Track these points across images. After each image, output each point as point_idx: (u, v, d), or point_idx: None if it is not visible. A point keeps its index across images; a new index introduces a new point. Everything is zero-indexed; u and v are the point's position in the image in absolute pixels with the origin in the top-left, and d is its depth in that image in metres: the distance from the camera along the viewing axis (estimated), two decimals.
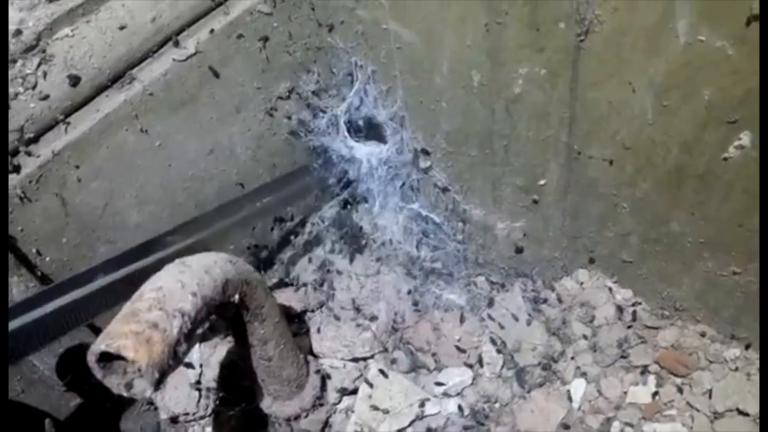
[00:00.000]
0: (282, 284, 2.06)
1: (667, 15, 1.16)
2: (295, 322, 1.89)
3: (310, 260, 2.08)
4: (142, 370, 1.05)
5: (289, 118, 1.96)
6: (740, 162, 1.29)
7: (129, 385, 1.10)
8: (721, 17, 1.10)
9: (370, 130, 1.97)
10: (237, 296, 1.32)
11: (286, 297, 1.97)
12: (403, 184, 1.98)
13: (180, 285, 1.15)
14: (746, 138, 1.24)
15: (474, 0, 1.26)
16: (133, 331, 1.05)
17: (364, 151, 1.97)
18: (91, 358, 1.07)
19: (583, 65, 1.35)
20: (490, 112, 1.47)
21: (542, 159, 1.57)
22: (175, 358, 1.10)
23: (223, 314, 1.40)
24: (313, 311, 1.96)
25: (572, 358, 1.82)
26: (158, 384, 1.07)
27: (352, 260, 2.08)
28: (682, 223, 1.53)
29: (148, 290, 1.13)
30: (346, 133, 1.95)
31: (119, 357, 1.06)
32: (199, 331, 1.27)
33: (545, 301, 1.92)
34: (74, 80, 1.43)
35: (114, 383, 1.10)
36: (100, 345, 1.05)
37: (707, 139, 1.30)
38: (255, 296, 1.36)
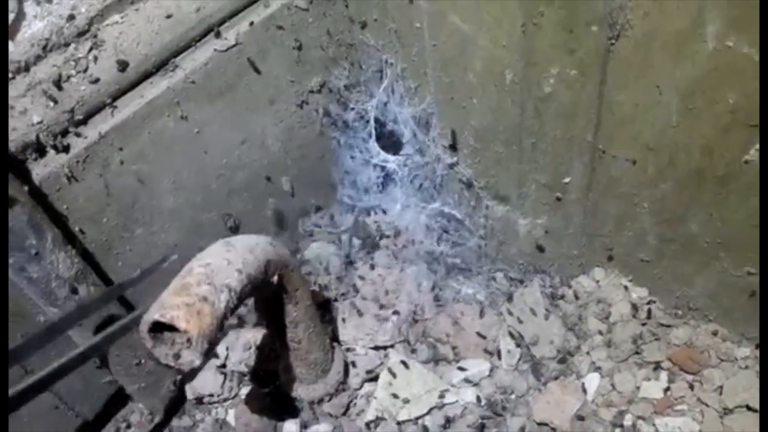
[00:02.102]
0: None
1: (697, 21, 1.22)
2: (321, 309, 1.95)
3: (336, 246, 2.14)
4: (192, 340, 1.11)
5: (318, 111, 2.02)
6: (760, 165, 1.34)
7: (177, 356, 1.16)
8: (750, 25, 1.16)
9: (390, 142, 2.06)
10: (276, 277, 1.38)
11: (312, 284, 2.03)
12: (421, 185, 2.05)
13: (226, 262, 1.21)
14: None
15: (511, 1, 1.32)
16: (185, 303, 1.11)
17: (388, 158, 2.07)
18: (144, 328, 1.13)
19: (612, 67, 1.41)
20: (520, 110, 1.52)
21: (567, 157, 1.62)
22: (221, 331, 1.17)
23: (262, 294, 1.45)
24: (336, 300, 2.02)
25: (587, 352, 1.87)
26: (206, 355, 1.13)
27: (372, 255, 2.14)
28: (700, 223, 1.58)
29: (197, 266, 1.19)
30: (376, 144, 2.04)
31: (170, 328, 1.12)
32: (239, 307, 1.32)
33: (562, 297, 1.98)
34: (122, 65, 1.49)
35: (162, 353, 1.16)
36: (153, 315, 1.10)
37: (729, 142, 1.35)
38: (292, 279, 1.42)
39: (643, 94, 1.42)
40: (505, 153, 1.67)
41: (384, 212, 2.21)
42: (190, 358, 1.12)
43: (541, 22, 1.33)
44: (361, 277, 2.08)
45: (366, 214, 2.22)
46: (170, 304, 1.10)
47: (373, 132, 2.04)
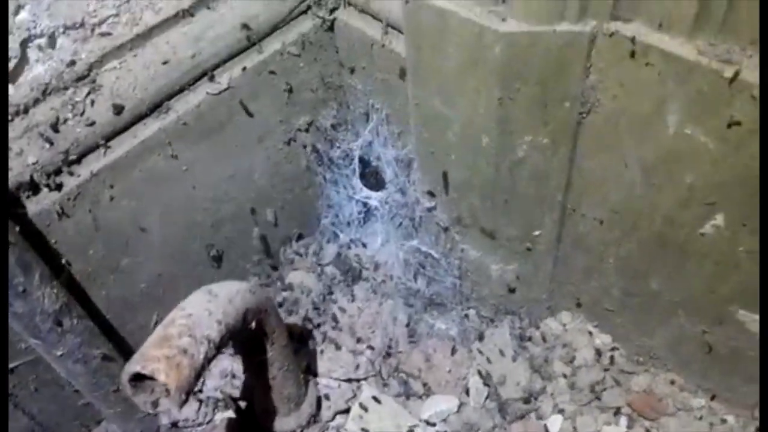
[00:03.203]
0: (282, 304, 2.19)
1: (660, 108, 1.30)
2: (296, 341, 2.02)
3: (317, 276, 2.21)
4: (171, 392, 1.17)
5: (306, 148, 2.09)
6: (714, 238, 1.43)
7: (155, 404, 1.23)
8: (707, 119, 1.24)
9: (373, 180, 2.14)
10: (254, 323, 1.45)
11: (288, 316, 2.10)
12: (401, 223, 2.13)
13: (207, 313, 1.28)
14: (720, 219, 1.38)
15: (490, 76, 1.40)
16: (165, 356, 1.17)
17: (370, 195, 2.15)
18: (125, 377, 1.20)
19: (583, 138, 1.49)
20: (495, 170, 1.60)
21: (538, 213, 1.70)
22: (197, 380, 1.24)
23: (239, 338, 1.52)
24: (312, 331, 2.09)
25: (551, 394, 1.95)
26: (183, 404, 1.20)
27: (352, 287, 2.22)
28: (660, 282, 1.66)
29: (179, 317, 1.26)
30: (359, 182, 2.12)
31: (150, 377, 1.19)
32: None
33: (530, 339, 2.06)
34: (118, 109, 1.55)
35: (142, 401, 1.23)
36: (135, 366, 1.17)
37: (687, 216, 1.44)
38: (269, 323, 1.49)
39: (610, 164, 1.51)
40: (480, 206, 1.75)
41: (364, 246, 2.28)
42: (168, 406, 1.19)
43: (517, 96, 1.41)
44: (341, 309, 2.14)
45: (347, 247, 2.29)
46: (151, 356, 1.16)
47: (357, 170, 2.12)
